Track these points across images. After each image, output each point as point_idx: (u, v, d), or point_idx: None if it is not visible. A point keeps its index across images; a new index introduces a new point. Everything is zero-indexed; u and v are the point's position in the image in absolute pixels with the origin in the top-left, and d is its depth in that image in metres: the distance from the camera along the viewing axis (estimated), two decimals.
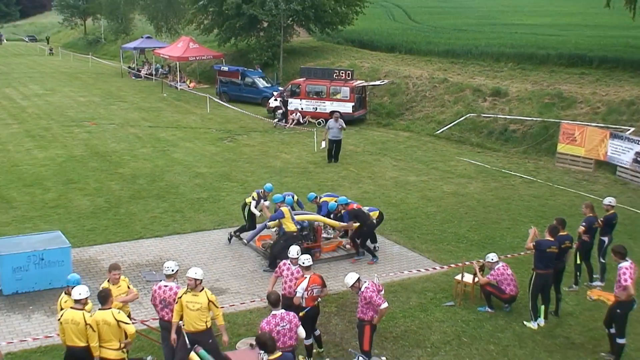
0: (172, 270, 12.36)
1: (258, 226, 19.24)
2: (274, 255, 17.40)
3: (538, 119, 32.61)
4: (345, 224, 18.81)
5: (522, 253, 17.59)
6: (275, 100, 39.93)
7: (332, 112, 36.76)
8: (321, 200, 19.79)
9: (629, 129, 28.92)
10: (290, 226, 17.62)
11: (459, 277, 16.32)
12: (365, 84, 39.16)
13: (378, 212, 19.47)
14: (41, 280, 16.09)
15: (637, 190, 26.04)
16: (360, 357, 12.14)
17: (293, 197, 19.80)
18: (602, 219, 16.87)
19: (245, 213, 19.56)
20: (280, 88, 42.58)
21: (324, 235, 19.43)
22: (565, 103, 33.24)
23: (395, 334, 14.45)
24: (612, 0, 35.45)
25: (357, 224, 18.54)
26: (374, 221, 19.06)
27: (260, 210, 19.15)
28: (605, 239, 17.00)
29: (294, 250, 13.80)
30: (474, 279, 16.06)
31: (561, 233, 15.21)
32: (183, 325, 11.88)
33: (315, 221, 18.85)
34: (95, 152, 30.21)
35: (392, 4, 76.58)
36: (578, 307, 15.89)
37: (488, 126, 34.16)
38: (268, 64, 50.17)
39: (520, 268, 16.94)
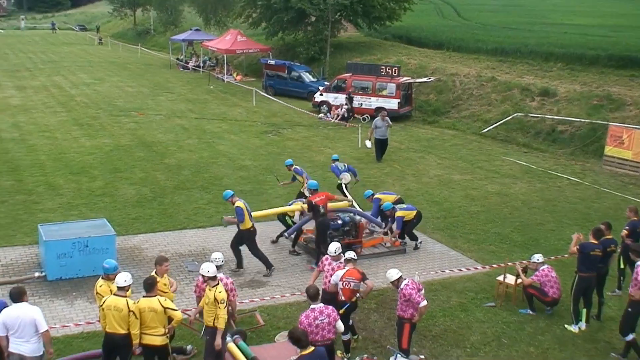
0: (220, 262, 12.45)
1: (300, 220, 19.25)
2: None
3: (586, 120, 32.12)
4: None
5: (565, 256, 17.39)
6: (321, 95, 39.95)
7: (377, 109, 36.87)
8: (374, 197, 19.69)
9: None
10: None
11: (501, 277, 16.19)
12: (412, 80, 39.00)
13: (415, 211, 19.07)
14: (85, 267, 16.31)
15: None
16: (398, 355, 12.13)
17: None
18: None
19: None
20: (326, 83, 42.60)
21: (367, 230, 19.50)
22: (614, 105, 32.68)
23: (435, 333, 14.40)
24: None
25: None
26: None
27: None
28: None
29: (332, 247, 13.81)
30: (516, 280, 15.94)
31: (606, 237, 15.01)
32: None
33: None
34: (141, 142, 30.57)
35: (441, 0, 76.06)
36: (620, 311, 15.59)
37: (535, 126, 33.76)
38: (314, 59, 50.20)
39: (563, 271, 16.74)
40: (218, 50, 54.04)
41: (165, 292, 12.35)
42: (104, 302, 11.28)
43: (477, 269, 17.72)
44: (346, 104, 37.84)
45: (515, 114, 34.82)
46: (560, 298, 15.38)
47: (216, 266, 12.36)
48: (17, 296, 10.82)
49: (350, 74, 39.41)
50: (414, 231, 19.26)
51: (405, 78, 38.68)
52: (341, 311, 12.19)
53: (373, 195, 19.71)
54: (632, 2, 71.75)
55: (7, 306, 10.96)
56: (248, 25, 55.40)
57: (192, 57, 61.53)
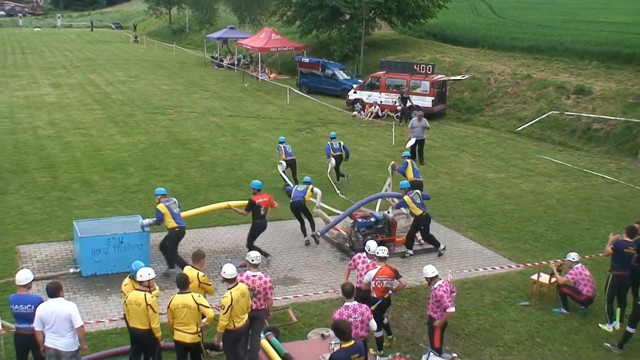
0: (257, 260, 12.48)
1: (334, 218, 19.24)
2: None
3: (621, 118, 31.75)
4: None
5: (600, 254, 17.20)
6: (355, 92, 39.91)
7: (411, 107, 36.80)
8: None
9: None
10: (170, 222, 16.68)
11: (535, 276, 16.07)
12: (446, 78, 38.83)
13: (422, 211, 18.13)
14: (120, 263, 16.43)
15: None
16: (431, 353, 12.09)
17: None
18: None
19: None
20: (360, 81, 42.56)
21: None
22: None
23: (468, 332, 14.34)
24: None
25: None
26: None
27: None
28: None
29: (372, 245, 13.80)
30: (550, 279, 15.81)
31: None
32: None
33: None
34: (176, 140, 30.79)
35: None
36: None
37: (571, 124, 33.43)
38: (348, 57, 50.16)
39: (597, 270, 16.57)
40: (252, 48, 54.25)
41: (209, 285, 12.58)
42: (126, 298, 11.42)
43: (510, 267, 17.60)
44: (399, 104, 37.09)
45: (551, 112, 34.50)
46: (594, 297, 15.24)
47: (254, 265, 12.43)
48: (53, 291, 10.95)
49: (384, 72, 39.36)
50: (434, 237, 18.68)
51: (439, 76, 38.53)
52: (372, 307, 12.17)
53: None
54: None
55: (43, 301, 11.11)
56: (282, 23, 55.50)
57: (226, 55, 61.84)
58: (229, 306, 11.43)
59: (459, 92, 40.36)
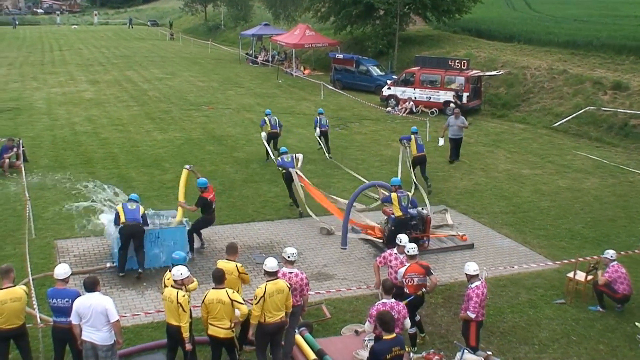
0: (294, 257, 12.52)
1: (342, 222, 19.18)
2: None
3: None
4: None
5: (636, 251, 17.01)
6: (389, 88, 39.82)
7: (446, 102, 36.62)
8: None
9: None
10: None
11: (571, 274, 15.93)
12: (481, 74, 38.56)
13: (402, 215, 17.77)
14: (156, 258, 16.60)
15: None
16: (465, 350, 12.05)
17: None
18: None
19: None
20: (394, 76, 42.46)
21: None
22: None
23: (503, 329, 14.26)
24: None
25: None
26: None
27: None
28: None
29: (405, 238, 13.80)
30: (586, 277, 15.65)
31: None
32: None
33: None
34: (211, 136, 30.97)
35: None
36: None
37: (608, 120, 33.04)
38: (383, 53, 50.06)
39: (634, 267, 16.42)
40: (287, 44, 54.39)
41: (247, 275, 12.73)
42: (163, 293, 11.52)
43: (547, 264, 17.46)
44: (454, 102, 36.05)
45: (587, 108, 34.13)
46: (630, 295, 15.07)
47: (290, 261, 12.48)
48: (91, 286, 11.08)
49: (419, 68, 39.21)
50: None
51: (474, 71, 38.29)
52: (404, 302, 12.16)
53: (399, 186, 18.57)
54: None
55: (80, 295, 11.25)
56: (317, 19, 55.61)
57: (261, 51, 62.06)
58: (261, 297, 11.47)
59: (494, 88, 40.07)
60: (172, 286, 11.45)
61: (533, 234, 19.99)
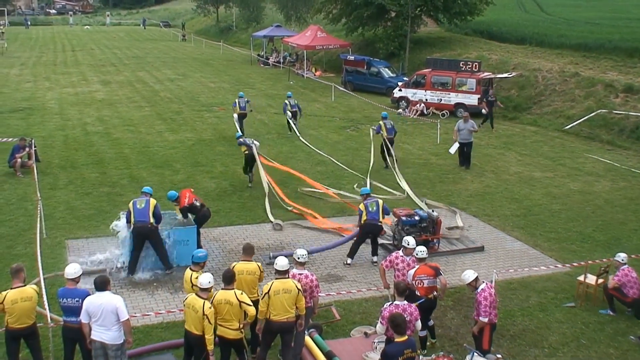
0: (304, 258, 12.51)
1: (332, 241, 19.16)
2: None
3: None
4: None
5: None
6: (400, 90, 39.79)
7: (456, 105, 36.59)
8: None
9: None
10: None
11: (581, 277, 15.87)
12: (493, 76, 38.50)
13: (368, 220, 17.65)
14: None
15: None
16: (474, 353, 12.02)
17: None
18: None
19: None
20: (405, 78, 42.45)
21: None
22: None
23: (513, 333, 14.22)
24: None
25: None
26: None
27: None
28: None
29: (412, 240, 13.78)
30: (597, 280, 15.60)
31: None
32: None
33: None
34: (222, 137, 31.03)
35: None
36: None
37: (619, 123, 32.91)
38: (394, 54, 50.04)
39: None
40: (298, 46, 54.45)
41: (262, 271, 12.72)
42: (186, 299, 11.43)
43: (557, 267, 17.40)
44: (484, 108, 34.90)
45: (599, 111, 34.01)
46: None
47: (300, 262, 12.48)
48: (101, 285, 11.10)
49: (430, 70, 39.18)
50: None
51: (485, 73, 38.22)
52: (414, 304, 12.13)
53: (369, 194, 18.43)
54: None
55: (89, 295, 11.29)
56: (328, 21, 55.62)
57: (272, 53, 62.11)
58: (266, 293, 11.59)
59: (505, 90, 39.98)
60: (197, 295, 11.30)
61: (544, 236, 19.93)
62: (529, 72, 40.23)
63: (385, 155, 26.48)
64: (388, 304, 11.66)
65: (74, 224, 19.62)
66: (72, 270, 11.45)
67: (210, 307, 11.14)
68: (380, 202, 17.71)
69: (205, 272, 12.05)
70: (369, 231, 17.54)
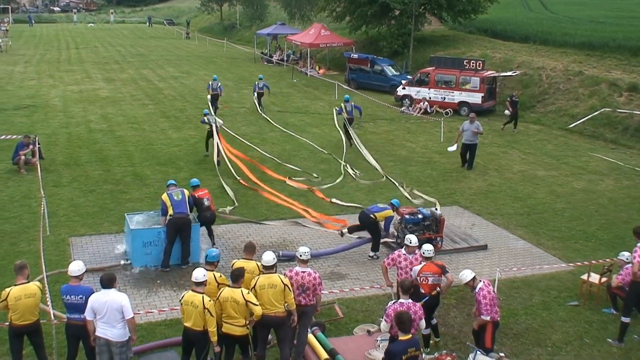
0: (307, 256, 12.48)
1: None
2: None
3: None
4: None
5: None
6: (404, 88, 39.76)
7: (460, 103, 36.57)
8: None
9: None
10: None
11: (585, 276, 15.86)
12: (497, 74, 38.46)
13: (389, 210, 17.94)
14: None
15: None
16: (478, 352, 12.01)
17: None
18: None
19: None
20: (409, 76, 42.43)
21: None
22: None
23: (516, 331, 14.20)
24: None
25: None
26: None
27: None
28: None
29: (414, 238, 13.77)
30: (600, 279, 15.59)
31: None
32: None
33: None
34: (226, 135, 30.98)
35: None
36: None
37: (623, 122, 32.88)
38: (398, 52, 50.01)
39: None
40: (302, 44, 54.43)
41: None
42: (182, 297, 11.41)
43: (561, 266, 17.38)
44: (508, 108, 34.09)
45: (603, 109, 33.98)
46: None
47: (303, 260, 12.44)
48: (107, 282, 11.11)
49: (434, 68, 39.16)
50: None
51: (489, 72, 38.19)
52: (420, 303, 12.13)
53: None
54: None
55: (94, 292, 11.30)
56: (332, 19, 55.63)
57: (276, 51, 62.10)
58: (252, 288, 11.67)
59: (509, 89, 39.90)
60: (193, 290, 11.31)
61: (547, 235, 19.91)
62: (532, 71, 40.18)
63: (349, 135, 29.30)
64: (392, 302, 11.66)
65: (78, 221, 19.63)
66: (75, 267, 11.46)
67: (210, 300, 11.19)
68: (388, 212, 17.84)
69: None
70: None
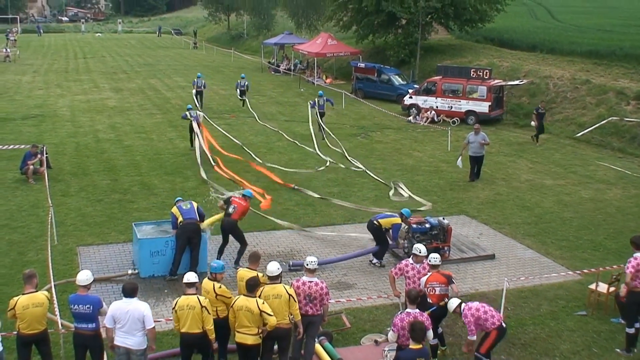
0: (314, 265, 12.47)
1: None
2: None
3: None
4: None
5: None
6: (411, 97, 39.76)
7: (467, 112, 36.56)
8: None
9: None
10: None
11: (593, 286, 15.81)
12: (504, 83, 38.46)
13: (396, 218, 17.96)
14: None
15: None
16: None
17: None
18: None
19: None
20: (416, 86, 42.45)
21: None
22: None
23: (524, 341, 14.15)
24: None
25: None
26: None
27: None
28: None
29: (422, 248, 13.75)
30: (608, 289, 15.53)
31: None
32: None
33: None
34: (233, 144, 31.04)
35: (534, 2, 74.68)
36: None
37: (631, 131, 32.82)
38: (404, 62, 50.07)
39: None
40: (309, 53, 54.56)
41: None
42: (175, 304, 11.43)
43: (568, 275, 17.33)
44: (534, 120, 33.36)
45: (610, 118, 33.94)
46: None
47: (310, 269, 12.41)
48: (131, 291, 11.20)
49: (441, 77, 39.17)
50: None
51: (496, 81, 38.18)
52: (426, 313, 12.10)
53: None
54: None
55: (102, 302, 11.33)
56: (339, 28, 55.69)
57: (283, 60, 62.21)
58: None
59: (516, 97, 39.95)
60: (186, 294, 11.43)
61: (555, 245, 19.86)
62: (540, 80, 40.17)
63: (321, 128, 32.87)
64: (400, 312, 11.64)
65: (85, 230, 19.68)
66: (83, 277, 11.48)
67: (205, 299, 11.30)
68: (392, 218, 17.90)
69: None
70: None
